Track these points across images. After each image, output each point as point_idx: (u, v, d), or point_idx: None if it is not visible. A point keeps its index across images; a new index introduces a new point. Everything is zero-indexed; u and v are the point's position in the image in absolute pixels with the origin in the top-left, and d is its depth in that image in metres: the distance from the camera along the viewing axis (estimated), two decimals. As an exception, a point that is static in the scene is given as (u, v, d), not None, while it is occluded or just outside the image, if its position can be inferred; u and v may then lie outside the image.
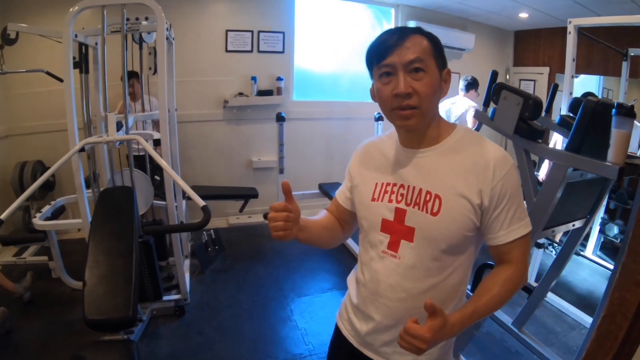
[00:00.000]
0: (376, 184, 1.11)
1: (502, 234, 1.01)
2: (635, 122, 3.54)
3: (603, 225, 4.07)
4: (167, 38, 2.84)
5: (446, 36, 5.05)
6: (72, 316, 2.74)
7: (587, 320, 2.96)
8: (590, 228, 3.83)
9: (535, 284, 2.79)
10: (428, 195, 1.02)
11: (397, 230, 1.06)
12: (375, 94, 1.05)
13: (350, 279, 1.25)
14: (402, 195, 1.06)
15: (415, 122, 0.99)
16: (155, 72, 2.90)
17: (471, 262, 1.10)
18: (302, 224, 1.08)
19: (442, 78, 1.02)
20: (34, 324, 2.70)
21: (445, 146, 1.05)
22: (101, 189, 2.65)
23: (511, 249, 1.03)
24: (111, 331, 2.14)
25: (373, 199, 1.11)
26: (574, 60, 3.11)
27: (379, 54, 0.99)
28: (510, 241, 1.01)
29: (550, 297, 3.18)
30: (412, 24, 4.86)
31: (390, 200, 1.07)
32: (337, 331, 1.27)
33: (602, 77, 4.87)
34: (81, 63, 2.82)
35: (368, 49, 1.03)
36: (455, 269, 1.06)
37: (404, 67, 0.96)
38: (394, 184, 1.08)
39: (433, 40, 1.00)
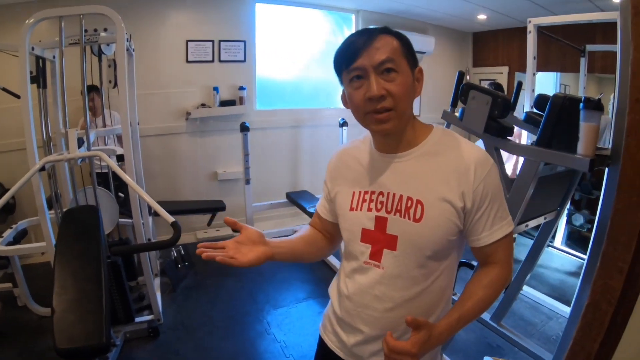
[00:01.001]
0: (353, 193, 1.08)
1: (485, 235, 0.99)
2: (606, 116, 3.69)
3: (570, 216, 4.20)
4: (127, 49, 2.76)
5: (407, 40, 5.14)
6: (42, 345, 2.60)
7: (562, 309, 3.05)
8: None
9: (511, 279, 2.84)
10: (409, 202, 0.99)
11: (379, 240, 1.03)
12: (347, 100, 1.01)
13: (332, 290, 1.21)
14: (381, 202, 1.03)
15: (391, 125, 0.96)
16: (115, 85, 2.81)
17: (455, 265, 1.08)
18: (275, 243, 1.07)
19: (414, 77, 0.98)
20: (2, 355, 2.55)
21: (424, 149, 1.02)
22: (64, 209, 2.53)
23: (495, 249, 1.01)
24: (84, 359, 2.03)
25: (351, 209, 1.08)
26: (534, 58, 3.22)
27: (348, 57, 0.95)
28: (493, 241, 1.00)
29: (525, 289, 3.24)
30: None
31: (369, 209, 1.04)
32: (322, 344, 1.23)
33: (558, 73, 5.04)
34: (39, 77, 2.70)
35: (336, 54, 0.99)
36: (440, 273, 1.04)
37: (375, 69, 0.92)
38: (372, 192, 1.05)
39: (402, 39, 0.97)
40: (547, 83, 5.15)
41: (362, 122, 1.00)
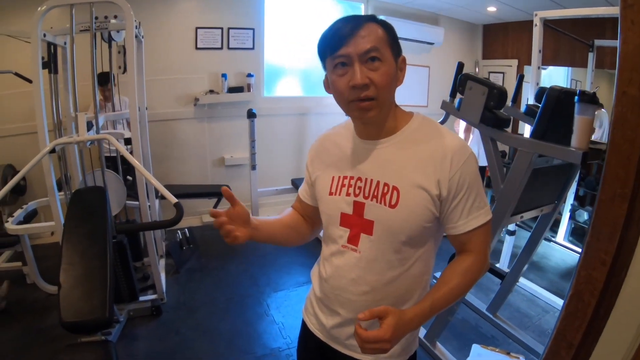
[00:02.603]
0: (333, 177, 1.10)
1: (461, 223, 1.01)
2: (602, 110, 3.66)
3: (573, 211, 4.19)
4: (136, 36, 2.82)
5: (416, 30, 5.13)
6: (49, 322, 2.71)
7: (559, 303, 3.06)
8: (561, 214, 3.95)
9: (507, 270, 2.87)
10: (386, 188, 1.01)
11: (357, 224, 1.05)
12: (329, 86, 1.03)
13: (314, 273, 1.24)
14: (359, 188, 1.05)
15: (374, 113, 0.97)
16: (125, 71, 2.87)
17: (433, 252, 1.10)
18: (255, 223, 1.09)
19: (397, 66, 0.99)
20: (9, 332, 2.64)
21: (403, 136, 1.04)
22: (73, 191, 2.61)
23: (470, 238, 1.02)
24: (88, 333, 2.12)
25: (331, 193, 1.10)
26: (540, 51, 3.20)
27: (333, 44, 0.95)
28: (469, 230, 1.01)
29: (523, 282, 3.27)
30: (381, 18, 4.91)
31: (348, 194, 1.06)
32: (304, 326, 1.27)
33: (570, 68, 4.99)
34: (50, 63, 2.76)
35: (320, 39, 0.99)
36: (416, 259, 1.05)
37: (360, 57, 0.93)
38: (352, 177, 1.07)
39: (387, 27, 0.98)
40: (558, 78, 5.12)
41: (345, 109, 1.01)
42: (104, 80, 3.25)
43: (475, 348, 2.42)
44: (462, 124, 4.16)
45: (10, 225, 2.70)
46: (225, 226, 1.01)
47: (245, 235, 1.05)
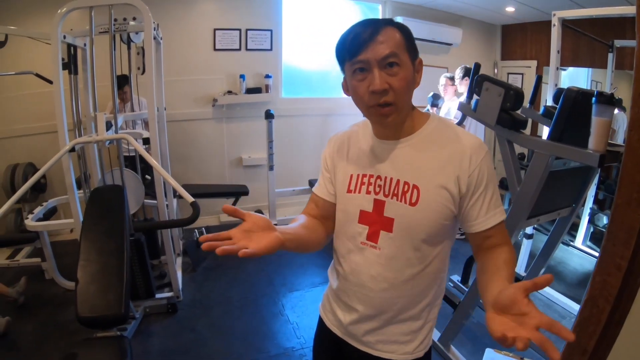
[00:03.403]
0: (351, 175, 1.11)
1: (481, 220, 1.01)
2: (621, 112, 3.59)
3: (592, 215, 4.11)
4: (154, 38, 2.86)
5: (433, 31, 5.10)
6: (66, 317, 2.77)
7: (577, 309, 3.00)
8: (579, 218, 3.88)
9: (524, 274, 2.83)
10: (406, 186, 1.02)
11: (376, 221, 1.06)
12: (348, 89, 1.04)
13: (331, 271, 1.25)
14: (379, 186, 1.06)
15: (393, 119, 0.99)
16: (143, 72, 2.92)
17: (449, 250, 1.11)
18: (286, 231, 0.97)
19: (415, 69, 1.00)
20: (27, 326, 2.71)
21: (421, 136, 1.05)
22: (92, 189, 2.66)
23: (494, 233, 1.02)
24: (104, 328, 2.15)
25: (349, 191, 1.11)
26: (558, 52, 3.15)
27: (352, 49, 0.96)
28: (490, 227, 1.01)
29: (540, 287, 3.21)
30: (399, 19, 4.89)
31: (368, 192, 1.07)
32: (321, 322, 1.28)
33: (590, 69, 4.91)
34: (70, 64, 2.83)
35: (338, 44, 1.00)
36: (434, 257, 1.07)
37: (379, 63, 0.94)
38: (371, 175, 1.08)
39: (405, 32, 0.99)
40: (579, 79, 5.03)
41: (366, 113, 1.03)
42: (121, 83, 3.30)
43: (489, 352, 2.39)
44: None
45: (30, 222, 2.77)
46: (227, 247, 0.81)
47: (272, 240, 0.87)
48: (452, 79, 4.25)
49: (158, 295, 2.89)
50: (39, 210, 2.97)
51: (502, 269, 0.94)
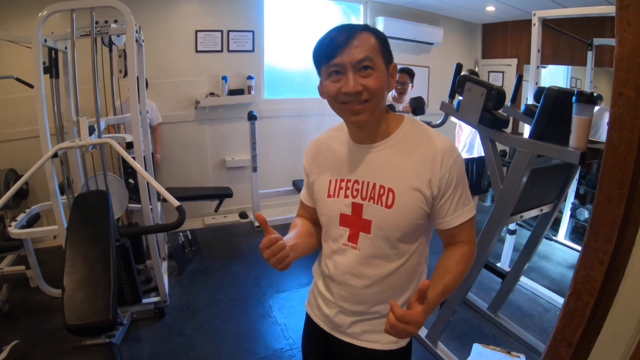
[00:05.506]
0: (330, 180, 1.16)
1: (449, 219, 1.08)
2: (603, 106, 3.65)
3: (574, 210, 4.20)
4: (136, 40, 2.83)
5: (415, 31, 5.15)
6: (53, 324, 2.72)
7: (561, 301, 3.06)
8: (561, 213, 3.95)
9: (508, 269, 2.88)
10: (382, 190, 1.07)
11: (355, 224, 1.11)
12: (323, 92, 1.07)
13: (315, 269, 1.31)
14: (357, 190, 1.10)
15: (366, 116, 1.02)
16: (125, 74, 2.88)
17: (427, 244, 1.18)
18: (290, 243, 1.09)
19: (389, 73, 1.04)
20: (14, 335, 2.63)
21: (395, 139, 1.09)
22: (75, 195, 2.62)
23: (459, 231, 1.10)
24: (92, 336, 2.14)
25: (329, 196, 1.15)
26: (539, 51, 3.21)
27: (328, 53, 0.99)
28: (456, 225, 1.09)
29: (525, 281, 3.28)
30: (380, 19, 4.95)
31: (346, 196, 1.12)
32: (308, 319, 1.33)
33: (570, 67, 5.00)
34: (51, 68, 2.78)
35: (315, 48, 1.03)
36: (413, 252, 1.13)
37: (353, 67, 0.97)
38: (348, 180, 1.12)
39: (380, 37, 1.02)
40: (558, 77, 5.12)
41: (338, 111, 1.06)
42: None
43: (476, 347, 2.43)
44: (466, 131, 4.11)
45: (14, 230, 2.72)
46: (281, 252, 1.00)
47: (292, 257, 1.04)
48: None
49: (145, 300, 2.87)
50: (22, 217, 2.91)
51: (452, 268, 1.09)
